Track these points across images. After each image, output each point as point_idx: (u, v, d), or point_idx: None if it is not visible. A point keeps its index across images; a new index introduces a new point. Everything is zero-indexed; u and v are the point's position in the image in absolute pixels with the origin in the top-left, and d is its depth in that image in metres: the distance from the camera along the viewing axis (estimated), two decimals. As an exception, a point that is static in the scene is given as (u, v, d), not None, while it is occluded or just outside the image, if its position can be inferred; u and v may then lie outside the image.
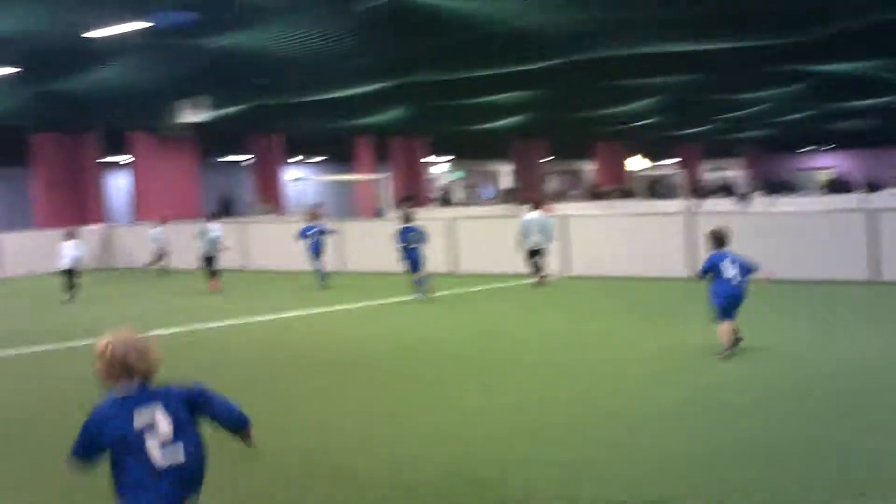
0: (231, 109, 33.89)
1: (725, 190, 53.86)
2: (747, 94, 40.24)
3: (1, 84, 26.71)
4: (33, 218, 35.40)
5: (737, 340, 11.02)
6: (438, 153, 56.45)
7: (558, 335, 13.45)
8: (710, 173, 69.18)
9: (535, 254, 20.59)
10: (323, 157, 55.17)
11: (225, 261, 27.89)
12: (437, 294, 18.65)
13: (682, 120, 49.66)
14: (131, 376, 4.61)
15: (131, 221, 35.63)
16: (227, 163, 50.35)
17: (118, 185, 35.86)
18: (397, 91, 31.99)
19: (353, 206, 47.00)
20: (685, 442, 7.53)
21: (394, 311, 17.28)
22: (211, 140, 40.61)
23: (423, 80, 29.67)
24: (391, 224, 22.07)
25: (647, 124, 48.88)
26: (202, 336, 15.04)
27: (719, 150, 67.37)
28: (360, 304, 18.15)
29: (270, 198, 39.30)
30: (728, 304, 10.93)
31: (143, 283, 25.79)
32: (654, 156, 63.95)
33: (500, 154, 58.03)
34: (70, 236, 22.70)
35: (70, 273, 22.01)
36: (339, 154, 51.65)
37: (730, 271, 10.87)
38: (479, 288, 20.16)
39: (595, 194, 51.13)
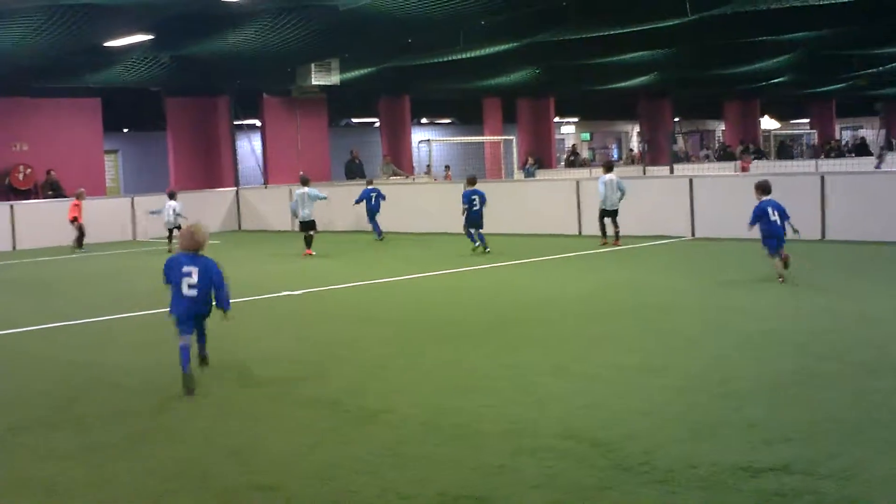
0: (361, 71, 34.24)
1: (861, 149, 52.39)
2: (885, 49, 38.92)
3: (138, 50, 27.48)
4: (170, 181, 36.27)
5: (785, 263, 13.70)
6: (565, 114, 56.07)
7: (683, 296, 13.44)
8: (845, 132, 67.17)
9: (610, 215, 20.71)
10: (450, 120, 55.31)
11: (345, 223, 28.31)
12: (562, 256, 18.84)
13: (815, 77, 48.30)
14: (195, 248, 9.06)
15: (262, 184, 36.27)
16: (358, 125, 50.83)
17: (249, 148, 36.50)
18: (526, 51, 31.92)
19: (481, 167, 46.97)
20: (815, 406, 7.53)
21: (515, 273, 17.46)
22: (341, 102, 41.07)
23: (553, 39, 29.51)
24: (522, 185, 22.21)
25: (778, 82, 47.71)
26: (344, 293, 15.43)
27: (854, 108, 65.30)
28: (488, 266, 18.38)
29: (395, 160, 39.52)
30: (777, 243, 13.61)
31: (276, 244, 26.34)
32: (784, 115, 62.36)
33: (626, 115, 57.39)
34: (171, 197, 24.69)
35: (172, 231, 23.83)
36: (466, 116, 51.73)
37: (773, 215, 13.58)
38: (605, 250, 20.23)
39: (724, 155, 50.20)
